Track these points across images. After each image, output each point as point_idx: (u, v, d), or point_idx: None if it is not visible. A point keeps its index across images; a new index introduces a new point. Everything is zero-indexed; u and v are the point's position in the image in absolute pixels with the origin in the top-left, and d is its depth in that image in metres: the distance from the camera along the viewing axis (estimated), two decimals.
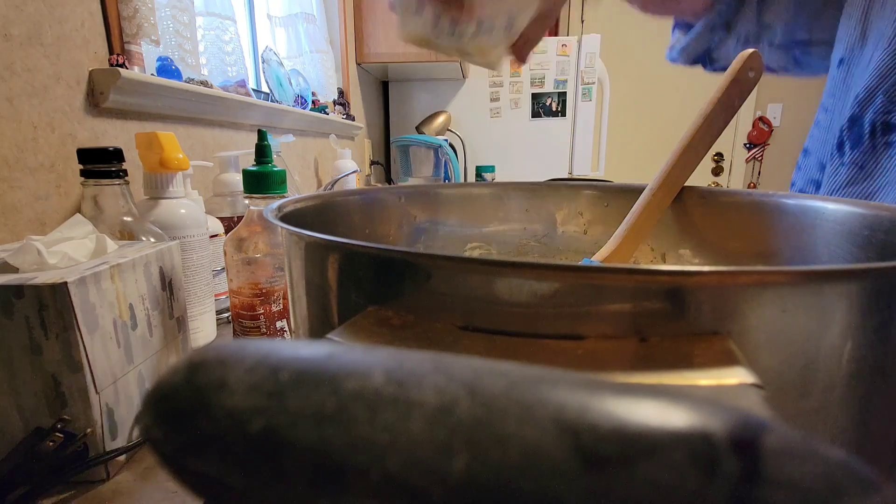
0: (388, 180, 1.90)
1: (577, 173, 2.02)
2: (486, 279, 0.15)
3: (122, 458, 0.30)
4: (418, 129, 1.76)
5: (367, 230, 0.36)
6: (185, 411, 0.08)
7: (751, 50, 0.33)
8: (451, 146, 1.59)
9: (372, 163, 1.75)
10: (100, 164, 0.38)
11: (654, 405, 0.08)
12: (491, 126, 1.99)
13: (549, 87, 1.94)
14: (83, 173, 0.38)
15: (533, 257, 0.41)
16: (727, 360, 0.13)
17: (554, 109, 1.96)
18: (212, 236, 0.53)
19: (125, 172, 0.39)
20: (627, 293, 0.14)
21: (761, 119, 2.94)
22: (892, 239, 0.24)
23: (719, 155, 3.04)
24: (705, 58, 0.51)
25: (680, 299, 0.14)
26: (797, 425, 0.15)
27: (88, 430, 0.28)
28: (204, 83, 0.73)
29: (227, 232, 0.59)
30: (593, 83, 1.93)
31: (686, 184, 0.35)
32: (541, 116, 1.97)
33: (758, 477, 0.07)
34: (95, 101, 0.54)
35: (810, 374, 0.14)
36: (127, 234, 0.39)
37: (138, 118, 0.61)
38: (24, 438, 0.27)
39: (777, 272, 0.13)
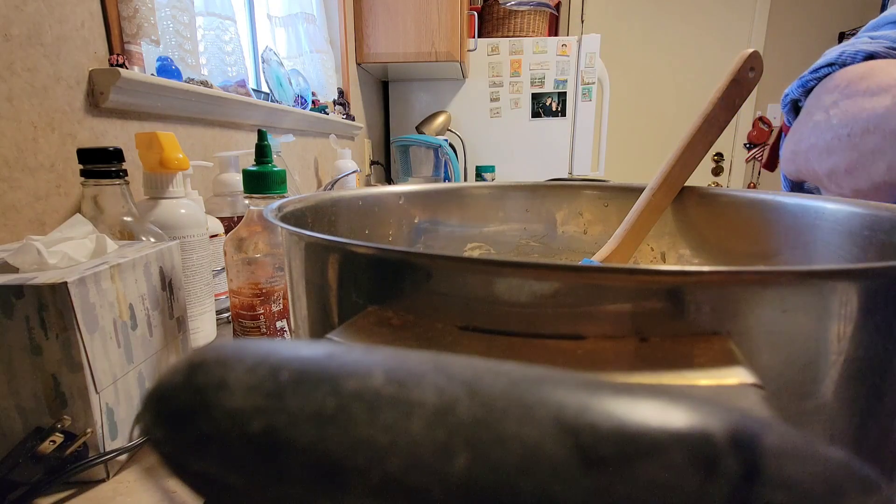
0: (388, 180, 1.90)
1: (577, 173, 2.02)
2: (486, 279, 0.15)
3: (122, 458, 0.30)
4: (418, 129, 1.76)
5: (367, 230, 0.36)
6: (186, 411, 0.08)
7: (751, 50, 0.33)
8: (451, 146, 1.59)
9: (372, 163, 1.75)
10: (100, 164, 0.38)
11: (654, 405, 0.08)
12: (491, 126, 1.99)
13: (549, 87, 1.94)
14: (83, 173, 0.38)
15: (533, 257, 0.41)
16: (727, 360, 0.13)
17: (554, 109, 1.96)
18: (212, 236, 0.53)
19: (125, 172, 0.39)
20: (627, 293, 0.14)
21: (761, 119, 2.94)
22: (892, 239, 0.24)
23: (719, 155, 3.04)
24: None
25: (680, 299, 0.14)
26: (797, 425, 0.15)
27: (88, 430, 0.28)
28: (204, 83, 0.73)
29: (227, 232, 0.59)
30: (593, 83, 1.93)
31: (686, 184, 0.35)
32: (541, 116, 1.97)
33: (757, 477, 0.07)
34: (95, 101, 0.54)
35: (810, 374, 0.14)
36: (127, 234, 0.39)
37: (138, 118, 0.61)
38: (24, 438, 0.27)
39: (777, 272, 0.13)
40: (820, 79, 0.46)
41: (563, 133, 1.98)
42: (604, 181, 0.45)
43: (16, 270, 0.28)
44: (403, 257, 0.16)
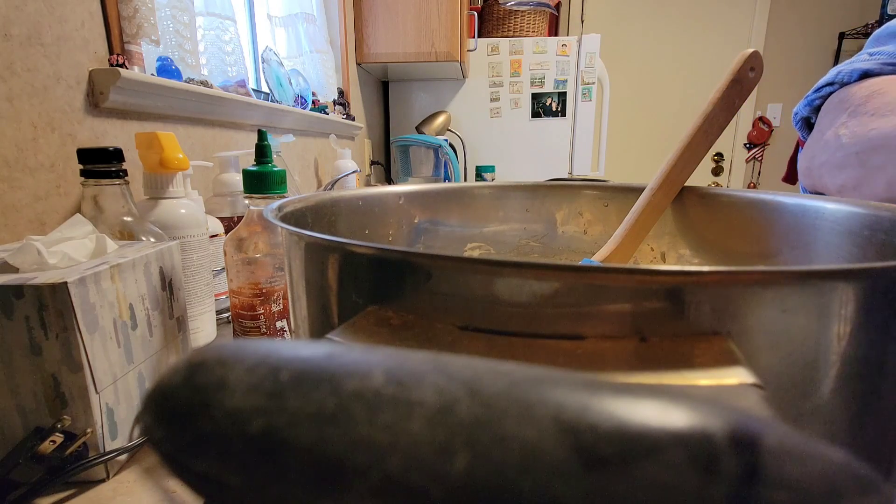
0: (388, 180, 1.90)
1: (577, 173, 2.02)
2: (486, 279, 0.15)
3: (122, 458, 0.30)
4: (418, 129, 1.76)
5: (367, 230, 0.36)
6: (186, 411, 0.08)
7: (751, 50, 0.33)
8: (451, 146, 1.59)
9: (372, 163, 1.75)
10: (100, 164, 0.38)
11: (654, 405, 0.08)
12: (491, 126, 1.99)
13: (549, 87, 1.94)
14: (83, 173, 0.38)
15: (533, 257, 0.41)
16: (727, 360, 0.13)
17: (554, 109, 1.96)
18: (212, 236, 0.53)
19: (125, 172, 0.39)
20: (627, 293, 0.14)
21: (761, 119, 2.94)
22: (892, 239, 0.24)
23: (719, 155, 3.04)
24: None
25: (680, 299, 0.14)
26: (797, 425, 0.15)
27: (88, 430, 0.28)
28: (204, 83, 0.73)
29: (227, 232, 0.59)
30: (593, 83, 1.93)
31: (686, 184, 0.35)
32: (541, 116, 1.97)
33: (757, 477, 0.07)
34: (95, 101, 0.54)
35: (810, 374, 0.14)
36: (127, 234, 0.39)
37: (138, 118, 0.61)
38: (24, 438, 0.27)
39: (777, 272, 0.13)
40: (824, 97, 0.49)
41: (563, 133, 1.98)
42: (604, 181, 0.45)
43: (16, 270, 0.28)
44: (403, 257, 0.16)
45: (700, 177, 2.97)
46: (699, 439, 0.07)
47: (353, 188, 0.87)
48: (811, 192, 0.53)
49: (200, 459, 0.08)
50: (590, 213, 0.40)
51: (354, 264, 0.18)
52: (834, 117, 0.46)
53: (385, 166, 1.96)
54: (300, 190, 1.02)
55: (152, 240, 0.39)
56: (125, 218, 0.39)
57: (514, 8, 1.92)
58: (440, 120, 1.80)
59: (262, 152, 0.42)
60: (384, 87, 2.02)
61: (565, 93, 1.93)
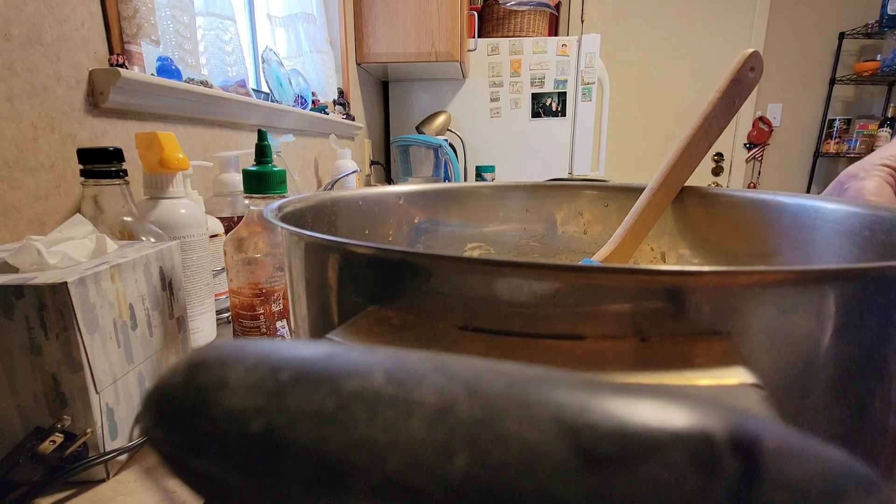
0: (388, 180, 1.90)
1: (577, 173, 2.02)
2: (486, 279, 0.15)
3: (122, 458, 0.30)
4: (418, 129, 1.76)
5: (367, 230, 0.36)
6: (186, 411, 0.08)
7: (751, 50, 0.33)
8: (451, 146, 1.59)
9: (372, 163, 1.75)
10: (100, 164, 0.38)
11: (654, 405, 0.08)
12: (491, 126, 1.99)
13: (549, 87, 1.93)
14: (83, 173, 0.38)
15: (533, 257, 0.41)
16: (727, 360, 0.13)
17: (554, 109, 1.95)
18: (212, 236, 0.53)
19: (125, 172, 0.39)
20: (627, 293, 0.14)
21: (761, 119, 2.94)
22: (892, 239, 0.24)
23: (719, 155, 3.04)
24: None
25: (680, 299, 0.14)
26: (797, 425, 0.15)
27: (88, 430, 0.28)
28: (204, 83, 0.73)
29: (227, 232, 0.59)
30: (593, 83, 1.92)
31: (686, 184, 0.35)
32: (541, 116, 1.97)
33: (757, 477, 0.07)
34: (95, 101, 0.54)
35: (810, 374, 0.14)
36: (127, 234, 0.39)
37: (138, 118, 0.61)
38: (24, 438, 0.27)
39: (777, 272, 0.13)
40: None
41: (563, 133, 1.98)
42: (604, 181, 0.45)
43: (16, 270, 0.28)
44: (403, 257, 0.16)
45: (700, 177, 2.97)
46: (699, 439, 0.07)
47: (353, 188, 0.87)
48: None
49: (200, 459, 0.08)
50: (590, 213, 0.40)
51: (354, 264, 0.18)
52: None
53: (385, 166, 1.96)
54: (300, 190, 1.02)
55: (152, 240, 0.39)
56: (125, 218, 0.39)
57: (514, 8, 1.92)
58: (440, 120, 1.80)
59: (262, 152, 0.42)
60: (384, 87, 2.02)
61: (565, 93, 1.93)
